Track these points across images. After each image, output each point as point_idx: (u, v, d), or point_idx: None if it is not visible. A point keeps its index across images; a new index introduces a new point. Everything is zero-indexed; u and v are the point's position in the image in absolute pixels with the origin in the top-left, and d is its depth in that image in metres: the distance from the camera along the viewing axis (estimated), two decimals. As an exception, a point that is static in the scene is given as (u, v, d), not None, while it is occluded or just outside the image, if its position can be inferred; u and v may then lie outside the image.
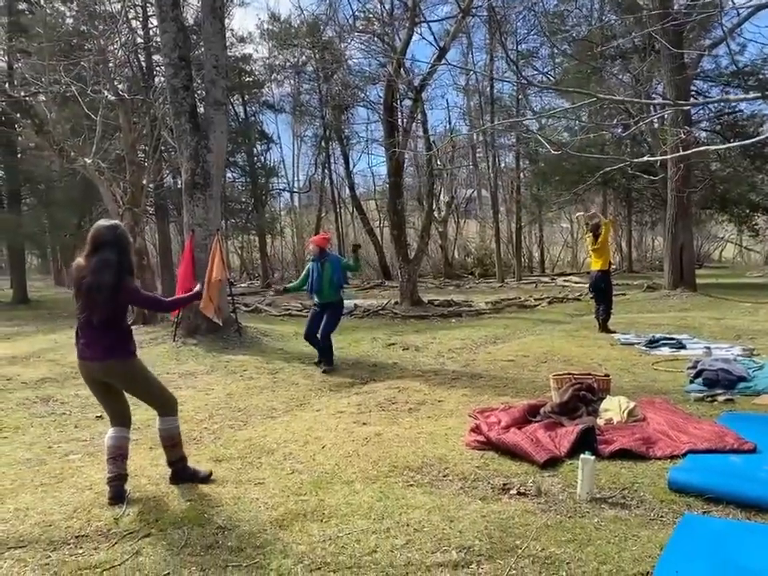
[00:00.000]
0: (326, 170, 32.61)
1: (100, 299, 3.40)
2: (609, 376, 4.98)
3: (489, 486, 3.54)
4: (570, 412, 4.55)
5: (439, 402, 5.63)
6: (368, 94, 26.43)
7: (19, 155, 21.15)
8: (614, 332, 9.74)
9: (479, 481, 3.62)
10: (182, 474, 3.75)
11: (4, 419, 5.54)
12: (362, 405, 5.62)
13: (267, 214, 29.75)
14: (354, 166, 32.22)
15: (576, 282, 23.30)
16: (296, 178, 37.56)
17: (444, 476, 3.73)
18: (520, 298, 16.57)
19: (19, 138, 21.23)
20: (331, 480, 3.72)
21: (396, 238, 14.70)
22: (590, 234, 10.08)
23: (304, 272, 7.72)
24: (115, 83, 12.83)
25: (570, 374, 5.08)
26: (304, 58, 27.67)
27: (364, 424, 4.94)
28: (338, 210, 31.95)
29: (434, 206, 18.91)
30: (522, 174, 26.44)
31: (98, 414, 5.59)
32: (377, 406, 5.56)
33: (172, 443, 3.72)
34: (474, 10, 14.63)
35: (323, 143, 30.70)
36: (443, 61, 13.29)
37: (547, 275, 27.89)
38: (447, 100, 32.96)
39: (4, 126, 20.13)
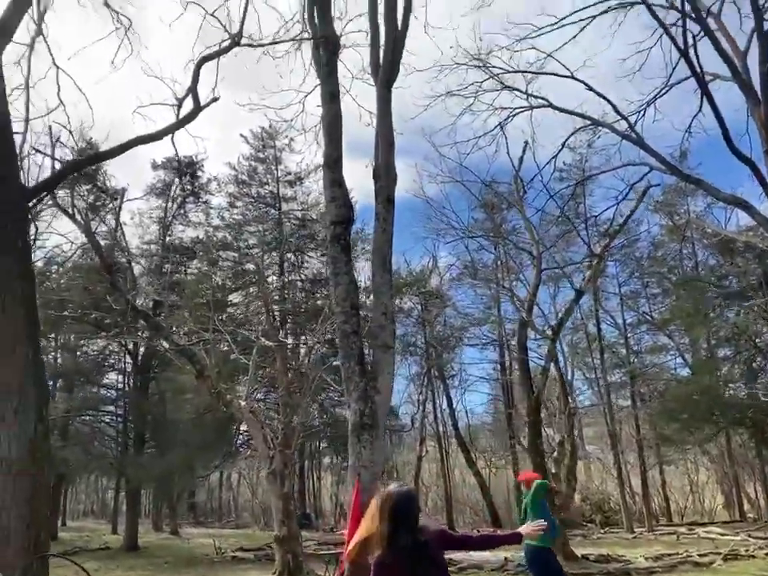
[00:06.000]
0: (426, 409, 32.57)
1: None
2: None
3: None
4: None
5: None
6: (475, 333, 27.39)
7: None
8: None
9: None
10: None
11: None
12: None
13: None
14: (456, 404, 32.10)
15: (722, 534, 20.69)
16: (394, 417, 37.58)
17: None
18: (679, 554, 14.70)
19: (153, 383, 22.69)
20: None
21: (539, 482, 13.76)
22: None
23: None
24: (269, 329, 13.72)
25: None
26: (410, 303, 29.44)
27: None
28: (443, 452, 31.05)
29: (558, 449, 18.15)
30: (639, 413, 25.35)
31: None
32: None
33: None
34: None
35: (426, 381, 31.07)
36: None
37: (681, 524, 25.06)
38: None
39: (142, 372, 21.72)
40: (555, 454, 26.41)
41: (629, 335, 27.61)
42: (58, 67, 9.48)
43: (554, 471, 16.33)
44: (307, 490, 34.29)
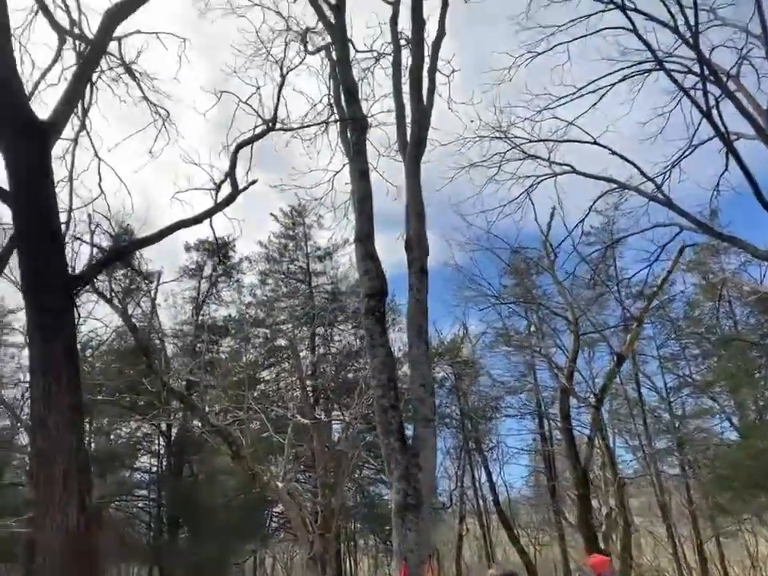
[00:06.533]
0: (464, 484, 31.46)
1: None
2: None
3: None
4: None
5: None
6: (511, 402, 26.82)
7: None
8: None
9: None
10: None
11: None
12: None
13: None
14: (497, 477, 30.94)
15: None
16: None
17: None
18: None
19: (186, 466, 22.42)
20: None
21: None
22: None
23: None
24: (305, 405, 13.55)
25: None
26: (443, 373, 29.01)
27: None
28: (485, 529, 29.79)
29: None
30: (690, 481, 24.14)
31: None
32: None
33: None
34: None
35: (463, 454, 30.19)
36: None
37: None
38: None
39: (176, 454, 21.51)
40: (603, 528, 25.15)
41: (671, 399, 26.67)
42: (99, 159, 9.91)
43: (602, 547, 15.52)
44: (344, 573, 32.92)
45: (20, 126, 5.90)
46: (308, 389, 18.87)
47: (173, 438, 21.60)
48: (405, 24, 11.66)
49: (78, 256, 11.00)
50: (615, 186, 15.47)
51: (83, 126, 9.77)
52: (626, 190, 15.72)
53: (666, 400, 25.89)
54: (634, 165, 14.74)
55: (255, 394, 15.55)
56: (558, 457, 27.31)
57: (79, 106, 9.40)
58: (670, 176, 15.11)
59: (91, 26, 9.24)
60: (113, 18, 7.17)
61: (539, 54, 14.42)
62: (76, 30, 9.46)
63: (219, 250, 21.91)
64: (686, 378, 27.00)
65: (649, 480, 25.24)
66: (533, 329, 24.37)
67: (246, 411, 13.40)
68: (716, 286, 22.03)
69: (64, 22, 9.39)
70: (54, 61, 9.53)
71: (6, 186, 6.04)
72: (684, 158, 15.04)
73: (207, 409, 14.53)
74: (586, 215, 16.16)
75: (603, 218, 20.30)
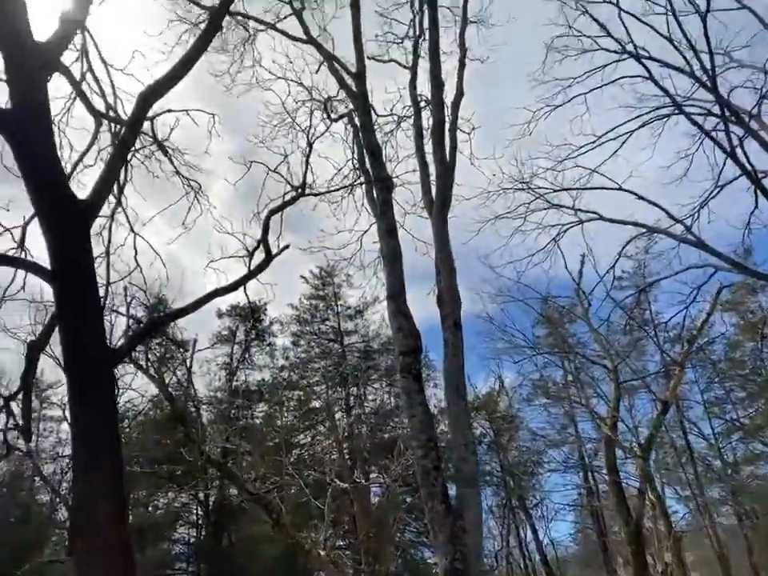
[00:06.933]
0: (509, 543, 30.28)
1: None
2: None
3: None
4: None
5: None
6: (554, 456, 26.04)
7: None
8: None
9: None
10: None
11: None
12: None
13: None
14: (543, 535, 29.69)
15: None
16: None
17: None
18: None
19: (225, 535, 22.05)
20: None
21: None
22: None
23: None
24: (343, 469, 13.31)
25: None
26: (481, 429, 28.43)
27: None
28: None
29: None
30: (747, 531, 22.91)
31: None
32: None
33: None
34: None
35: (507, 513, 29.19)
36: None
37: None
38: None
39: (214, 524, 21.20)
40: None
41: (720, 445, 25.61)
42: (135, 234, 10.19)
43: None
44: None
45: (62, 208, 6.10)
46: (345, 451, 18.59)
47: (211, 507, 21.32)
48: (423, 87, 11.96)
49: (115, 327, 11.21)
50: (644, 230, 15.36)
51: (119, 203, 10.09)
52: (656, 234, 15.59)
53: (715, 446, 24.89)
54: (661, 208, 14.67)
55: (292, 459, 15.33)
56: (606, 511, 26.24)
57: (115, 184, 9.74)
58: (698, 217, 14.94)
59: (126, 108, 9.70)
60: (146, 100, 7.48)
61: (557, 106, 14.65)
62: (111, 113, 9.91)
63: (252, 314, 22.16)
64: (734, 422, 26.01)
65: (704, 532, 24.03)
66: (570, 378, 23.87)
67: (283, 477, 13.21)
68: (756, 326, 21.45)
69: (100, 106, 9.87)
70: (91, 144, 9.93)
71: (48, 265, 6.22)
72: (711, 198, 14.89)
73: (244, 476, 14.37)
74: (616, 261, 16.02)
75: (634, 263, 20.07)
